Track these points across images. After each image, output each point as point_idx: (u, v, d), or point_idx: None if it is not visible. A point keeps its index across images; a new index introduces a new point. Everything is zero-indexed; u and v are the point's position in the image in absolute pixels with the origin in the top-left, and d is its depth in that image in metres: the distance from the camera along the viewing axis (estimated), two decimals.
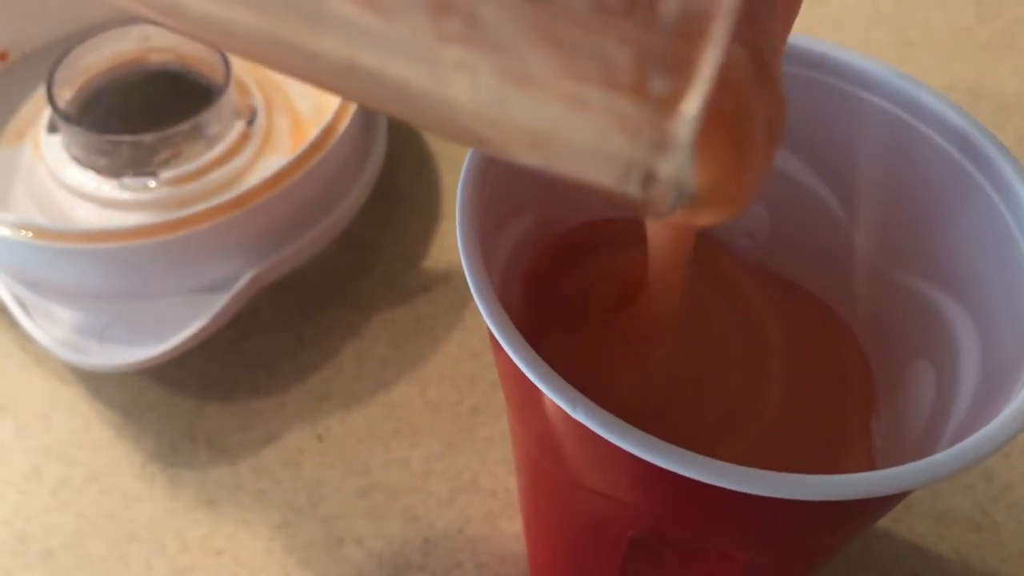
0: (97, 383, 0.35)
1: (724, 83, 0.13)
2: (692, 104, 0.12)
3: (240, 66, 0.38)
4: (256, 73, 0.39)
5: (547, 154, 0.13)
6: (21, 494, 0.33)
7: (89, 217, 0.35)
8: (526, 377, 0.18)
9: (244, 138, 0.36)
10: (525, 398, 0.21)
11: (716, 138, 0.15)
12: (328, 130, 0.34)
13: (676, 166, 0.12)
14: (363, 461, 0.34)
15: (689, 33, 0.11)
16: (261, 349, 0.36)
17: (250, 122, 0.37)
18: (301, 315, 0.37)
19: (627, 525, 0.22)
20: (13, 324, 0.35)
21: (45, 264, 0.33)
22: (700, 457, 0.17)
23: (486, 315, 0.19)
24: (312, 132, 0.35)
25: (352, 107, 0.35)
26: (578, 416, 0.18)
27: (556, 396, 0.18)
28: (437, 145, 0.42)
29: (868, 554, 0.32)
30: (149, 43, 0.38)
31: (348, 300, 0.37)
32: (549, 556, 0.28)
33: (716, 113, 0.13)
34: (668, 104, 0.12)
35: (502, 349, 0.19)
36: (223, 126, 0.36)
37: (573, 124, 0.13)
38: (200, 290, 0.33)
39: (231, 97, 0.36)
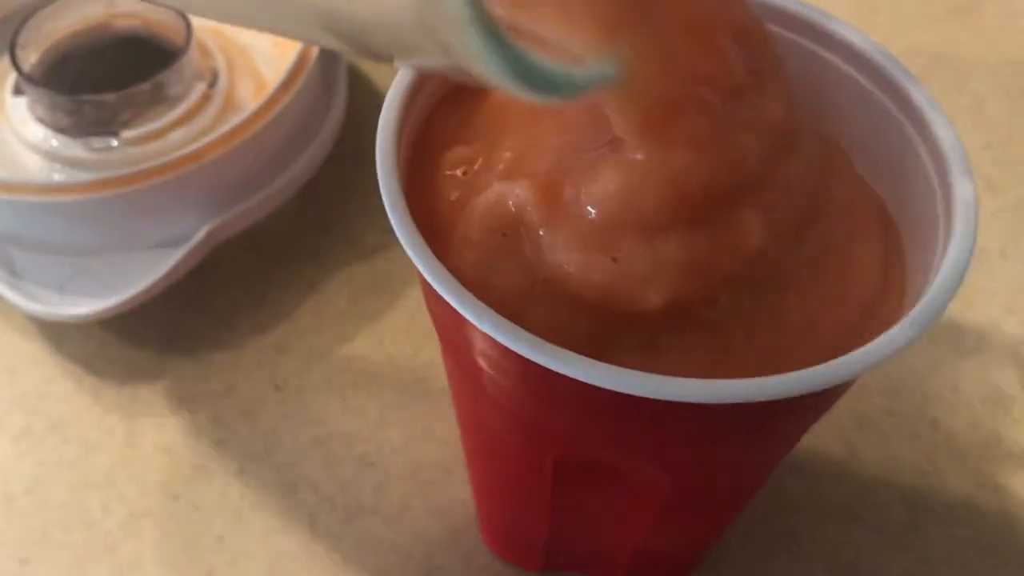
0: (60, 337, 0.36)
1: None
2: None
3: (203, 30, 0.39)
4: (219, 37, 0.40)
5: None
6: None
7: (55, 177, 0.36)
8: (434, 290, 0.19)
9: (205, 99, 0.37)
10: (441, 313, 0.21)
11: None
12: (284, 86, 0.35)
13: (465, 41, 0.13)
14: (320, 411, 0.34)
15: None
16: (222, 303, 0.37)
17: (212, 84, 0.38)
18: (262, 271, 0.38)
19: (547, 447, 0.23)
20: None
21: (5, 218, 0.33)
22: (585, 359, 0.18)
23: (395, 223, 0.20)
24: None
25: (309, 65, 0.36)
26: (484, 327, 0.19)
27: (463, 309, 0.19)
28: None
29: (814, 499, 0.32)
30: (114, 8, 0.39)
31: (308, 256, 0.38)
32: (488, 491, 0.28)
33: None
34: None
35: (420, 272, 0.20)
36: (184, 87, 0.37)
37: None
38: (159, 244, 0.34)
39: (192, 59, 0.37)
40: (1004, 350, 0.36)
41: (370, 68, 0.44)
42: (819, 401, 0.21)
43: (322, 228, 0.39)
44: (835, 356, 0.20)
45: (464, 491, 0.32)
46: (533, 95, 0.14)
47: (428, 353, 0.36)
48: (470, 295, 0.19)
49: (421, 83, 0.23)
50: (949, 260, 0.19)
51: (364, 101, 0.42)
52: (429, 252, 0.19)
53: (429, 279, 0.19)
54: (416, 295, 0.37)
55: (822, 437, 0.34)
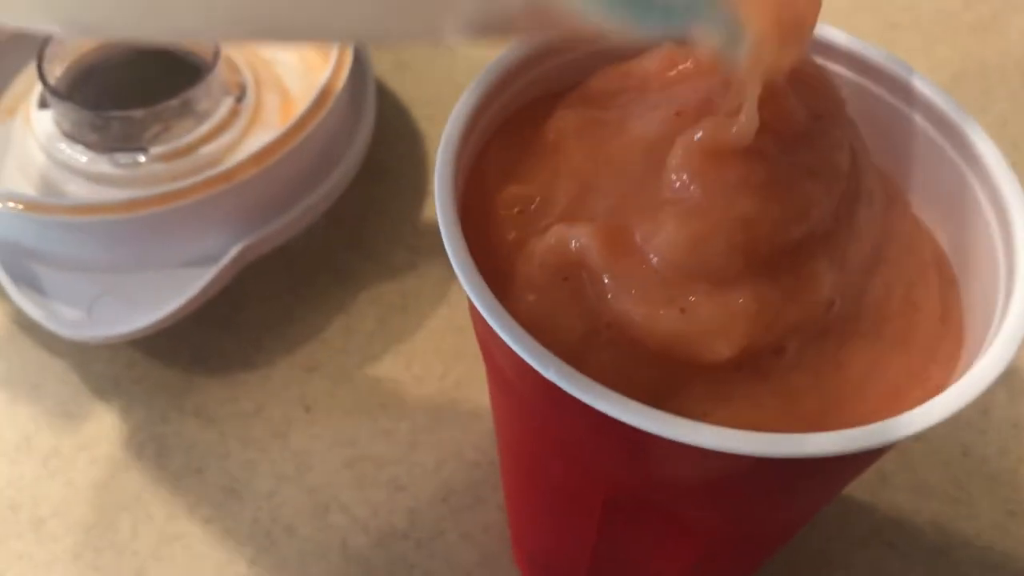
0: (87, 355, 0.36)
1: None
2: None
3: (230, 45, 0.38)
4: (246, 52, 0.39)
5: None
6: (12, 464, 0.33)
7: (80, 191, 0.35)
8: (496, 333, 0.19)
9: (233, 114, 0.37)
10: (496, 352, 0.21)
11: None
12: (315, 106, 0.35)
13: None
14: (350, 432, 0.34)
15: None
16: (250, 323, 0.37)
17: (239, 99, 0.37)
18: (290, 290, 0.38)
19: (600, 487, 0.22)
20: (4, 296, 0.35)
21: (35, 237, 0.33)
22: (656, 412, 0.18)
23: (457, 269, 0.20)
24: (301, 108, 0.35)
25: (340, 84, 0.36)
26: (550, 376, 0.18)
27: (529, 357, 0.19)
28: (425, 124, 0.43)
29: (845, 525, 0.32)
30: None
31: (336, 275, 0.38)
32: (528, 523, 0.28)
33: None
34: None
35: (476, 309, 0.19)
36: (212, 102, 0.36)
37: None
38: (188, 263, 0.34)
39: (220, 74, 0.37)
40: None
41: (396, 83, 0.44)
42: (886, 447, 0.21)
43: (349, 246, 0.39)
44: (898, 401, 0.20)
45: (497, 516, 0.32)
46: (623, 19, 0.13)
47: (457, 374, 0.35)
48: (535, 342, 0.19)
49: (476, 120, 0.23)
50: (1008, 329, 0.19)
51: (391, 117, 0.42)
52: (495, 300, 0.19)
53: (494, 326, 0.19)
54: (445, 315, 0.37)
55: None
